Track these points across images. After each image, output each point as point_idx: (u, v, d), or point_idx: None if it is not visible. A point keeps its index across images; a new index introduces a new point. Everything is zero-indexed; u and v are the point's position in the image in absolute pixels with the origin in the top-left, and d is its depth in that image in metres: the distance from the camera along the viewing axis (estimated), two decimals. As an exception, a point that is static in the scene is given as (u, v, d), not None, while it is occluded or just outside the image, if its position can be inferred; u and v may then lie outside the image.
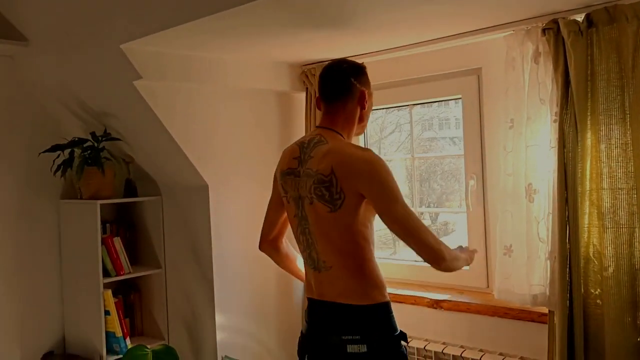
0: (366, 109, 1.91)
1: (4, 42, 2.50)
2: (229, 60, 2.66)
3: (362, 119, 1.93)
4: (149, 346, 2.50)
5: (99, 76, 2.47)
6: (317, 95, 1.99)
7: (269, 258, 2.12)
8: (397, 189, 1.74)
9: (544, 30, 2.15)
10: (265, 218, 2.05)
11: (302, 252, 1.90)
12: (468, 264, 2.05)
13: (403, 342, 1.83)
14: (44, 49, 2.52)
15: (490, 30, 2.36)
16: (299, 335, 1.97)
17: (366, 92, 1.89)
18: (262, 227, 2.06)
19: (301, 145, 1.88)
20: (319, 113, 2.12)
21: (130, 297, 3.03)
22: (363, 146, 1.90)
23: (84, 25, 2.24)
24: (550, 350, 2.19)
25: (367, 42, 2.58)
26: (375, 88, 2.78)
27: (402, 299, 2.75)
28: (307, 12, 1.97)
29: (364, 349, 1.73)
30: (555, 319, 2.14)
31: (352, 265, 1.79)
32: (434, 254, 1.71)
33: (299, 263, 2.05)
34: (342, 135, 1.86)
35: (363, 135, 2.97)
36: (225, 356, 2.58)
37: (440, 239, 1.77)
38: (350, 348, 1.73)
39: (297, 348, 1.96)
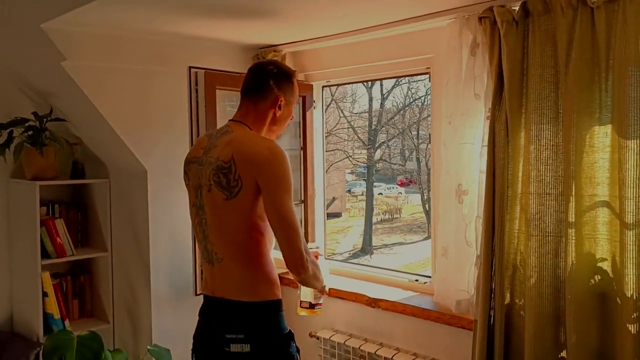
0: (279, 114, 1.85)
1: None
2: (173, 42, 2.59)
3: (274, 123, 1.88)
4: (75, 332, 2.48)
5: (31, 56, 2.43)
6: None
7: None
8: (290, 184, 1.69)
9: (480, 19, 1.99)
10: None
11: (199, 245, 1.84)
12: (321, 292, 2.02)
13: (294, 343, 1.77)
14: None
15: (438, 16, 2.21)
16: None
17: (282, 98, 1.84)
18: None
19: (210, 135, 1.86)
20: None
21: (80, 278, 3.03)
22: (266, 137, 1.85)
23: (5, 3, 2.18)
24: (473, 361, 2.07)
25: (318, 27, 2.48)
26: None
27: (343, 295, 2.67)
28: None
29: (247, 348, 1.68)
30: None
31: (243, 258, 1.73)
32: (300, 259, 1.67)
33: None
34: (250, 129, 1.83)
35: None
36: (154, 345, 2.54)
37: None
38: (234, 347, 1.68)
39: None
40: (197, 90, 2.26)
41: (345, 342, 2.57)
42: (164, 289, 2.70)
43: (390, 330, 2.52)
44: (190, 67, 2.24)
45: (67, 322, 2.77)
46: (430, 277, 2.53)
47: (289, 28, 2.50)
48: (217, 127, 2.11)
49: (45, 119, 2.69)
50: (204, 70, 2.26)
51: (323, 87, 3.09)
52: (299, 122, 3.02)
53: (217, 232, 1.74)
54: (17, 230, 2.84)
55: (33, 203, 2.65)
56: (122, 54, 2.44)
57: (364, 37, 2.56)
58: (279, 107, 1.83)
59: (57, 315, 2.72)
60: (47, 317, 2.71)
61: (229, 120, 1.87)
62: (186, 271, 2.78)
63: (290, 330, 1.77)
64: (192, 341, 1.86)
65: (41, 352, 2.61)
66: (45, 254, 2.71)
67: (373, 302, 2.54)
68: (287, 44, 2.83)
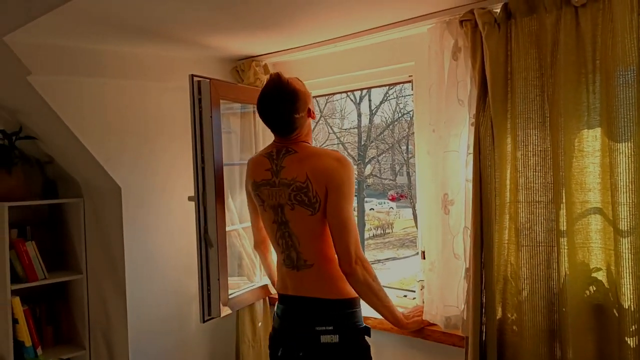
0: (313, 115, 2.04)
1: None
2: (147, 55, 2.50)
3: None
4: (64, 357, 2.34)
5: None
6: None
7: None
8: (351, 191, 1.89)
9: (461, 22, 1.92)
10: (251, 223, 2.25)
11: (281, 253, 2.00)
12: (399, 324, 2.07)
13: (367, 336, 1.95)
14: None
15: (418, 21, 2.14)
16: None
17: (307, 108, 1.98)
18: (252, 231, 2.28)
19: (269, 156, 1.99)
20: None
21: (55, 303, 2.90)
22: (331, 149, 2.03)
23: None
24: (465, 380, 1.96)
25: (298, 37, 2.40)
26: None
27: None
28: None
29: (336, 339, 1.88)
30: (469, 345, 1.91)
31: (329, 262, 1.93)
32: (349, 258, 1.86)
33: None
34: (307, 142, 2.00)
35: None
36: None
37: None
38: (324, 338, 1.87)
39: (268, 344, 2.08)
40: (200, 99, 2.17)
41: (332, 363, 2.45)
42: (142, 312, 2.57)
43: (380, 349, 2.40)
44: (192, 76, 2.16)
45: (39, 350, 2.63)
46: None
47: (268, 38, 2.42)
48: (263, 147, 2.25)
49: (14, 137, 2.59)
50: (209, 80, 2.18)
51: (305, 98, 3.00)
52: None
53: (307, 243, 1.93)
54: (-15, 255, 2.70)
55: (1, 225, 2.53)
56: (91, 67, 2.35)
57: (345, 46, 2.49)
58: (312, 114, 2.01)
59: (28, 343, 2.58)
60: (18, 345, 2.57)
61: (280, 142, 1.98)
62: (172, 293, 2.66)
63: (365, 325, 1.96)
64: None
65: (10, 382, 2.47)
66: (16, 278, 2.58)
67: (360, 321, 2.42)
68: (268, 55, 2.75)
